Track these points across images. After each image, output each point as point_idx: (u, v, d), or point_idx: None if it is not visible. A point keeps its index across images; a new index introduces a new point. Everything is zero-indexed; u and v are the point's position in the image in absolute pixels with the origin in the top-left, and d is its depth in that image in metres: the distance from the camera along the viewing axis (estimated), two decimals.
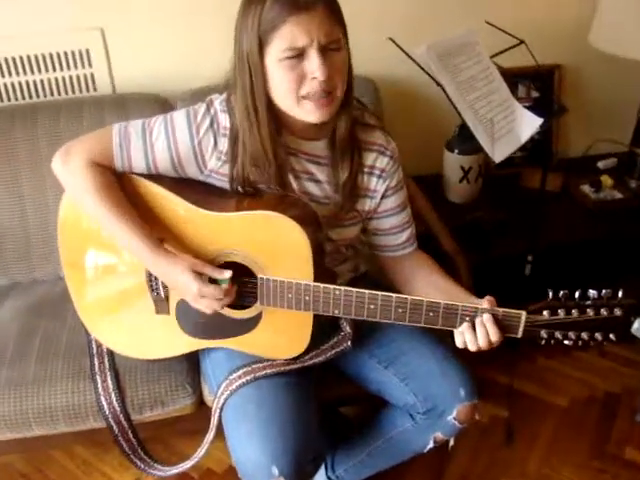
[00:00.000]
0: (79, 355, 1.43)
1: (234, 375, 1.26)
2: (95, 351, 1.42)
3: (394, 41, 1.41)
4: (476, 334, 1.11)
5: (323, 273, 1.21)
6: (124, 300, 1.34)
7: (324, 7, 1.07)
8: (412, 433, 1.35)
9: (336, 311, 1.19)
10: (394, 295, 1.15)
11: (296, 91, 1.11)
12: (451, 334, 1.16)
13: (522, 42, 1.63)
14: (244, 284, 1.24)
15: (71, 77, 1.79)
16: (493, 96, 1.51)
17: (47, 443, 1.51)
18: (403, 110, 1.95)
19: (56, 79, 1.78)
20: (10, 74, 1.75)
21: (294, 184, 1.25)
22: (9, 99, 1.79)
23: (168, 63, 1.81)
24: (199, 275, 1.17)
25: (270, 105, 1.15)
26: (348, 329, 1.29)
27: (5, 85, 1.77)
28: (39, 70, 1.76)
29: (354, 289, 1.16)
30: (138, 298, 1.31)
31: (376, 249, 1.38)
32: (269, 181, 1.21)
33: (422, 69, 1.43)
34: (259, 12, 1.07)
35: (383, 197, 1.31)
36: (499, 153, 1.45)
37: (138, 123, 1.21)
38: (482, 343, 1.11)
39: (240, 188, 1.22)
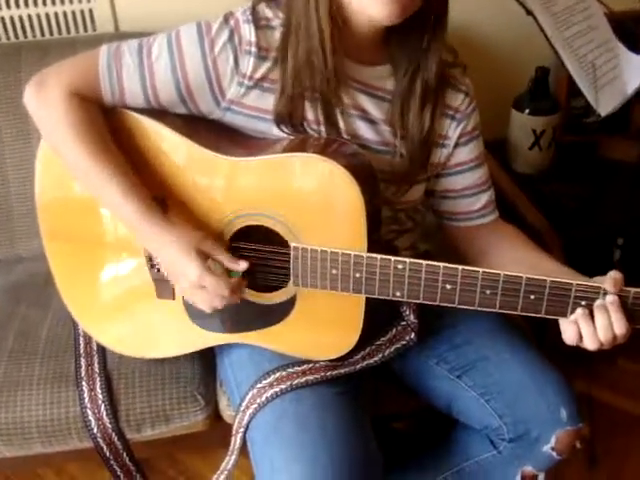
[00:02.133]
0: (62, 354, 1.13)
1: (264, 383, 0.95)
2: (83, 349, 1.12)
3: None
4: (595, 324, 0.80)
5: (379, 245, 0.89)
6: (119, 281, 1.03)
7: None
8: (493, 465, 1.03)
9: (397, 293, 0.87)
10: (480, 270, 0.83)
11: None
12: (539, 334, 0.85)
13: None
14: (272, 256, 0.93)
15: (65, 13, 1.48)
16: (593, 34, 1.21)
17: (34, 460, 1.21)
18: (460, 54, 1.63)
19: (47, 15, 1.48)
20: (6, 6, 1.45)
21: (341, 123, 0.93)
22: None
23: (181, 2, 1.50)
24: (204, 257, 0.87)
25: None
26: (412, 317, 0.97)
27: None
28: (26, 3, 1.46)
29: (423, 261, 0.84)
30: (136, 278, 1.01)
31: (446, 217, 1.07)
32: (313, 112, 0.91)
33: None
34: None
35: (457, 145, 1.00)
36: (604, 104, 1.15)
37: (134, 41, 0.91)
38: (604, 337, 0.80)
39: (284, 123, 0.91)
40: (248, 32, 0.87)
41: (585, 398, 1.53)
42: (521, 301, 0.83)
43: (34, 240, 1.37)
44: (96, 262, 1.03)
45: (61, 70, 0.91)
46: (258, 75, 0.89)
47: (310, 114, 0.91)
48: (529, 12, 1.14)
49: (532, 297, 0.83)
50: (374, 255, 0.85)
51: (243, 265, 0.89)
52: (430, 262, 0.84)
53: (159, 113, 0.93)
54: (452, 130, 0.99)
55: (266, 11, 0.90)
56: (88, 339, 1.12)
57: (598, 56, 1.22)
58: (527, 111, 1.59)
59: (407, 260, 0.85)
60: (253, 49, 0.88)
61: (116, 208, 0.90)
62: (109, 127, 0.92)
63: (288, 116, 0.90)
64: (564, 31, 1.19)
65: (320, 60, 0.86)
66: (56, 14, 1.48)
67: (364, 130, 0.95)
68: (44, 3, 1.46)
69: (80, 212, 1.00)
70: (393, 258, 0.85)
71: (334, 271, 0.88)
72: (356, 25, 0.89)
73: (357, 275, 0.87)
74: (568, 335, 0.83)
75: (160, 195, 0.93)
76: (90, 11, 1.49)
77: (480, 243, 1.04)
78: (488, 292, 0.84)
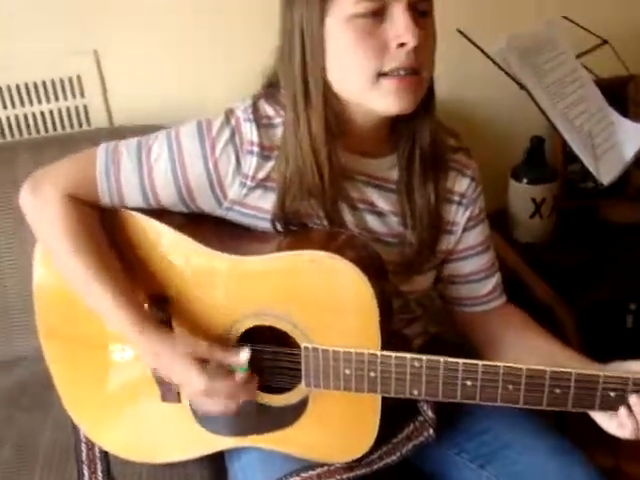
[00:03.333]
0: (64, 461, 1.07)
1: None
2: (85, 456, 1.06)
3: (463, 33, 1.10)
4: (635, 416, 0.77)
5: (392, 338, 0.86)
6: (122, 383, 0.99)
7: None
8: None
9: (415, 392, 0.84)
10: (501, 364, 0.80)
11: (374, 65, 0.79)
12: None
13: (605, 42, 1.34)
14: (282, 357, 0.89)
15: (60, 110, 1.49)
16: (587, 104, 1.21)
17: None
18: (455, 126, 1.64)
19: (42, 113, 1.48)
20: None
21: (349, 216, 0.91)
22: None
23: (173, 90, 1.50)
24: (203, 364, 0.83)
25: (327, 91, 0.83)
26: (430, 413, 0.93)
27: None
28: (21, 102, 1.46)
29: (441, 357, 0.81)
30: (139, 380, 0.97)
31: (453, 302, 1.04)
32: (317, 213, 0.88)
33: (500, 68, 1.12)
34: None
35: (464, 230, 0.99)
36: (606, 173, 1.14)
37: (133, 141, 0.90)
38: None
39: (280, 223, 0.89)
40: (249, 131, 0.86)
41: (613, 472, 1.46)
42: (546, 396, 0.80)
43: (33, 338, 1.33)
44: (97, 363, 0.99)
45: (57, 173, 0.89)
46: (261, 175, 0.87)
47: (314, 210, 0.89)
48: (522, 87, 1.15)
49: (557, 391, 0.79)
50: (389, 353, 0.82)
51: (244, 355, 0.84)
52: (448, 359, 0.81)
53: (159, 211, 0.91)
54: (459, 216, 0.97)
55: (267, 108, 0.88)
56: (90, 445, 1.06)
57: (594, 125, 1.22)
58: (525, 180, 1.58)
59: (424, 357, 0.81)
60: (255, 149, 0.86)
61: (110, 319, 0.87)
62: (107, 225, 0.90)
63: (291, 215, 0.88)
64: (558, 103, 1.19)
65: (316, 177, 0.85)
66: (51, 111, 1.49)
67: (373, 223, 0.93)
68: (39, 101, 1.47)
69: (78, 310, 0.96)
70: (409, 356, 0.82)
71: (347, 371, 0.84)
72: (361, 123, 0.87)
73: (372, 375, 0.83)
74: (613, 430, 0.81)
75: (162, 295, 0.90)
76: (85, 107, 1.49)
77: (488, 329, 1.01)
78: (511, 387, 0.80)
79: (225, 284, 0.88)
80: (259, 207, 0.89)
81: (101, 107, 1.49)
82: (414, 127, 0.89)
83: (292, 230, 0.90)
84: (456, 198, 0.97)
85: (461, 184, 0.97)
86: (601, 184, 1.14)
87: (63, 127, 1.50)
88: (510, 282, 1.09)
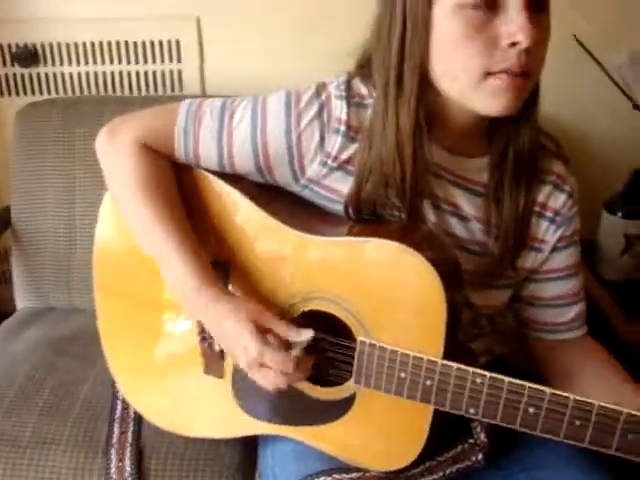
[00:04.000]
0: (97, 417, 1.05)
1: None
2: (119, 414, 1.04)
3: (579, 41, 1.02)
4: None
5: (456, 350, 0.79)
6: (167, 349, 0.97)
7: None
8: None
9: (472, 410, 0.76)
10: (572, 396, 0.72)
11: (482, 63, 0.73)
12: None
13: None
14: (336, 348, 0.84)
15: (155, 72, 1.50)
16: None
17: None
18: None
19: (137, 73, 1.50)
20: (87, 62, 1.49)
21: (431, 216, 0.85)
22: (80, 90, 1.52)
23: (270, 66, 1.48)
24: (264, 332, 0.78)
25: (423, 82, 0.77)
26: (483, 436, 0.86)
27: (79, 74, 1.50)
28: (119, 60, 1.48)
29: (506, 378, 0.74)
30: (185, 349, 0.94)
31: (528, 325, 0.96)
32: (396, 205, 0.82)
33: (616, 83, 1.03)
34: None
35: (553, 250, 0.91)
36: None
37: (217, 101, 0.87)
38: None
39: (353, 210, 0.84)
40: (339, 109, 0.81)
41: None
42: (617, 439, 0.71)
43: (91, 293, 1.35)
44: (145, 325, 0.97)
45: (136, 122, 0.87)
46: (344, 156, 0.82)
47: (392, 203, 0.83)
48: (636, 106, 1.05)
49: (630, 437, 0.71)
50: (450, 363, 0.75)
51: (307, 334, 0.79)
52: (514, 380, 0.73)
53: (233, 177, 0.88)
54: (550, 234, 0.90)
55: (361, 87, 0.83)
56: (126, 405, 1.05)
57: None
58: (620, 214, 1.47)
59: (487, 374, 0.74)
60: (342, 128, 0.81)
61: (171, 271, 0.83)
62: (178, 182, 0.87)
63: (367, 203, 0.83)
64: None
65: (397, 170, 0.79)
66: (146, 72, 1.50)
67: (455, 226, 0.87)
68: (136, 61, 1.48)
69: (136, 269, 0.94)
70: (472, 370, 0.75)
71: (402, 375, 0.78)
72: (456, 119, 0.82)
73: (428, 383, 0.77)
74: None
75: (224, 259, 0.87)
76: (179, 72, 1.50)
77: (563, 360, 0.93)
78: (577, 423, 0.72)
79: (290, 261, 0.84)
80: (337, 190, 0.84)
81: (195, 74, 1.50)
82: (512, 130, 0.83)
83: (366, 219, 0.84)
84: (549, 214, 0.89)
85: (557, 200, 0.89)
86: None
87: (156, 89, 1.51)
88: (592, 318, 1.00)
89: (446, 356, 0.77)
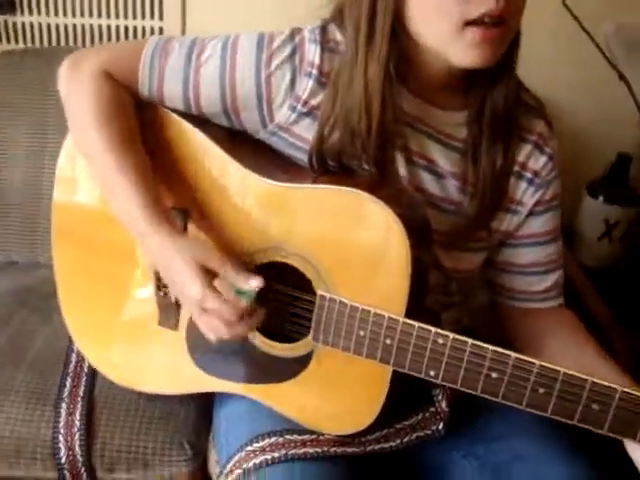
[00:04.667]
0: (50, 368, 1.02)
1: (255, 446, 0.81)
2: (72, 367, 1.00)
3: (569, 9, 0.98)
4: None
5: (421, 312, 0.76)
6: (122, 300, 0.93)
7: None
8: None
9: (432, 372, 0.74)
10: (537, 362, 0.69)
11: (461, 9, 0.70)
12: None
13: None
14: (294, 302, 0.81)
15: (135, 27, 1.45)
16: None
17: None
18: None
19: (117, 27, 1.45)
20: (65, 14, 1.44)
21: (403, 170, 0.82)
22: (57, 42, 1.47)
23: (252, 26, 1.44)
24: (210, 274, 0.74)
25: (396, 29, 0.74)
26: (444, 405, 0.83)
27: (57, 26, 1.46)
28: (99, 14, 1.43)
29: (469, 339, 0.71)
30: (141, 300, 0.90)
31: (502, 293, 0.93)
32: (363, 157, 0.79)
33: (602, 53, 1.00)
34: None
35: (530, 214, 0.88)
36: None
37: (188, 38, 0.83)
38: None
39: (317, 161, 0.80)
40: (313, 52, 0.78)
41: None
42: (580, 409, 0.69)
43: None
44: (102, 275, 0.93)
45: (102, 52, 0.84)
46: (314, 102, 0.79)
47: (361, 154, 0.79)
48: (622, 77, 1.02)
49: (595, 407, 0.68)
50: (411, 322, 0.72)
51: (255, 283, 0.73)
52: (477, 342, 0.71)
53: (199, 119, 0.84)
54: (528, 196, 0.87)
55: (337, 33, 0.79)
56: (81, 358, 1.01)
57: None
58: (602, 198, 1.45)
59: (450, 335, 0.71)
60: (314, 72, 0.78)
61: (123, 205, 0.79)
62: (141, 120, 0.83)
63: (333, 153, 0.79)
64: None
65: (363, 123, 0.76)
66: (126, 27, 1.46)
67: (429, 183, 0.83)
68: (117, 16, 1.44)
69: (95, 216, 0.90)
70: (433, 330, 0.72)
71: (362, 332, 0.75)
72: (434, 69, 0.78)
73: (387, 342, 0.74)
74: None
75: (182, 207, 0.83)
76: (160, 29, 1.45)
77: (536, 329, 0.90)
78: (541, 391, 0.69)
79: (252, 209, 0.80)
80: (305, 138, 0.81)
81: (177, 32, 1.44)
82: (490, 83, 0.80)
83: (334, 170, 0.81)
84: (528, 175, 0.86)
85: (537, 160, 0.86)
86: None
87: None
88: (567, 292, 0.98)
89: (409, 317, 0.74)
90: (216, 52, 0.80)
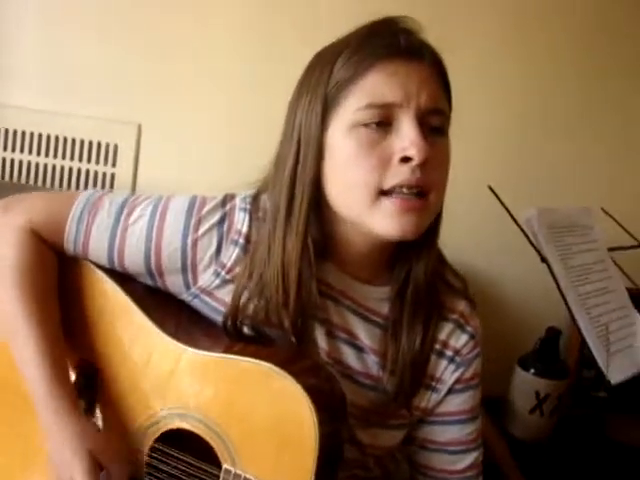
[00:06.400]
0: None
1: None
2: None
3: (494, 191, 1.06)
4: None
5: None
6: (30, 454, 0.87)
7: (432, 61, 0.74)
8: None
9: None
10: None
11: (375, 180, 0.72)
12: None
13: None
14: (198, 473, 0.77)
15: (88, 171, 1.50)
16: (610, 297, 1.14)
17: None
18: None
19: (70, 169, 1.50)
20: (30, 152, 1.49)
21: (322, 342, 0.82)
22: (18, 178, 1.51)
23: (203, 175, 1.49)
24: (96, 468, 0.74)
25: (314, 201, 0.76)
26: None
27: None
28: (55, 154, 1.49)
29: None
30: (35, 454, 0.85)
31: (420, 470, 0.91)
32: (281, 327, 0.79)
33: (526, 236, 1.06)
34: (331, 64, 0.74)
35: (450, 392, 0.87)
36: (615, 372, 1.04)
37: (119, 196, 0.84)
38: None
39: (232, 328, 0.80)
40: (242, 221, 0.80)
41: None
42: None
43: None
44: (14, 423, 0.88)
45: (32, 203, 0.84)
46: (238, 269, 0.79)
47: (280, 323, 0.79)
48: (544, 260, 1.08)
49: None
50: None
51: None
52: None
53: (124, 275, 0.83)
54: (449, 374, 0.86)
55: (267, 203, 0.81)
56: None
57: (613, 320, 1.13)
58: (532, 371, 1.47)
59: None
60: (241, 240, 0.79)
61: (28, 369, 0.77)
62: (64, 273, 0.83)
63: (249, 319, 0.79)
64: (579, 287, 1.11)
65: (280, 296, 0.77)
66: (79, 170, 1.50)
67: (349, 356, 0.83)
68: (72, 157, 1.49)
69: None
70: None
71: None
72: (357, 243, 0.80)
73: None
74: None
75: (94, 364, 0.82)
76: (112, 175, 1.50)
77: None
78: None
79: (163, 372, 0.78)
80: (227, 303, 0.81)
81: (128, 180, 1.49)
82: (413, 259, 0.81)
83: (253, 337, 0.80)
84: (449, 353, 0.86)
85: (458, 339, 0.87)
86: (609, 382, 1.03)
87: (86, 187, 1.50)
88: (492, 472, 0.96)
89: None
90: (145, 214, 0.81)
